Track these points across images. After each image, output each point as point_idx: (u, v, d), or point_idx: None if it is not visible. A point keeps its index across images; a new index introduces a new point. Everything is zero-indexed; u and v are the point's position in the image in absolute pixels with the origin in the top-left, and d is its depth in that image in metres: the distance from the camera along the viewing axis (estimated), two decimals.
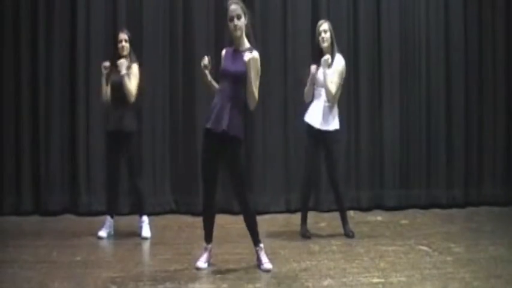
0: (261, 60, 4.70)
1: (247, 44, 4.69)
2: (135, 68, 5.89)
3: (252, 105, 4.69)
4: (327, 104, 5.76)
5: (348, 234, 5.86)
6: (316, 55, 5.91)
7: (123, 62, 5.80)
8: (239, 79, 4.61)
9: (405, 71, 7.53)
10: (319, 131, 5.75)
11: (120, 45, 5.89)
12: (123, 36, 5.92)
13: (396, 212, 7.16)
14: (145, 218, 5.99)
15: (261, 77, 4.73)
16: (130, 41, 5.96)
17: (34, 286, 4.33)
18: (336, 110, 5.83)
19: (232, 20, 4.59)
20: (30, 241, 5.74)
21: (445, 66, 7.61)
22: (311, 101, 5.87)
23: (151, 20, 7.14)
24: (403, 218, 6.91)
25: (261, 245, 4.84)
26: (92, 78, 7.02)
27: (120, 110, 5.82)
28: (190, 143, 7.13)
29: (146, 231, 5.91)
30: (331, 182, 5.95)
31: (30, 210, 6.95)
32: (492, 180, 7.66)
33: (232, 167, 4.68)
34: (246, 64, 4.55)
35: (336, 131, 5.82)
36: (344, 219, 5.94)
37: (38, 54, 7.00)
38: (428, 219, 6.87)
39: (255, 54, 4.62)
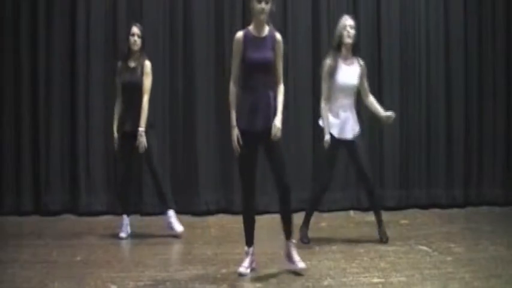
0: None
1: (267, 29, 4.57)
2: (148, 66, 5.81)
3: (280, 90, 4.60)
4: (352, 111, 5.68)
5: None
6: (335, 49, 5.59)
7: (142, 142, 5.70)
8: (269, 67, 4.52)
9: (405, 70, 7.53)
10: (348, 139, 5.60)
11: (132, 38, 5.77)
12: (136, 30, 5.80)
13: (396, 212, 7.15)
14: (172, 213, 5.91)
15: None
16: (143, 36, 5.85)
17: (34, 286, 4.33)
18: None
19: (260, 2, 4.44)
20: (30, 241, 5.75)
21: (445, 66, 7.60)
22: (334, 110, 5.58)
23: (151, 20, 7.13)
24: (403, 218, 6.91)
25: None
26: (92, 78, 7.02)
27: (135, 109, 5.71)
28: (191, 143, 7.14)
29: (179, 226, 5.85)
30: (371, 182, 5.74)
31: (30, 210, 6.94)
32: (492, 180, 7.65)
33: (277, 152, 4.62)
34: (275, 50, 4.50)
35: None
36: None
37: (38, 54, 7.00)
38: (428, 219, 6.87)
39: (279, 37, 4.58)
